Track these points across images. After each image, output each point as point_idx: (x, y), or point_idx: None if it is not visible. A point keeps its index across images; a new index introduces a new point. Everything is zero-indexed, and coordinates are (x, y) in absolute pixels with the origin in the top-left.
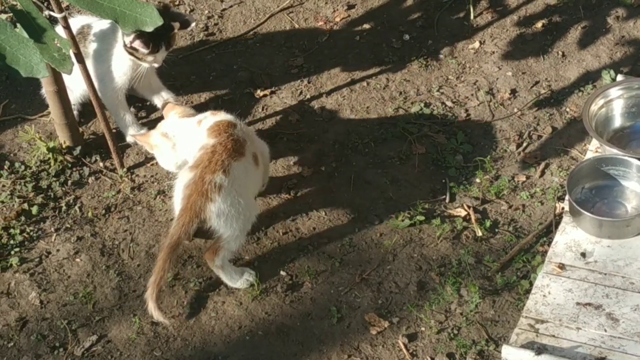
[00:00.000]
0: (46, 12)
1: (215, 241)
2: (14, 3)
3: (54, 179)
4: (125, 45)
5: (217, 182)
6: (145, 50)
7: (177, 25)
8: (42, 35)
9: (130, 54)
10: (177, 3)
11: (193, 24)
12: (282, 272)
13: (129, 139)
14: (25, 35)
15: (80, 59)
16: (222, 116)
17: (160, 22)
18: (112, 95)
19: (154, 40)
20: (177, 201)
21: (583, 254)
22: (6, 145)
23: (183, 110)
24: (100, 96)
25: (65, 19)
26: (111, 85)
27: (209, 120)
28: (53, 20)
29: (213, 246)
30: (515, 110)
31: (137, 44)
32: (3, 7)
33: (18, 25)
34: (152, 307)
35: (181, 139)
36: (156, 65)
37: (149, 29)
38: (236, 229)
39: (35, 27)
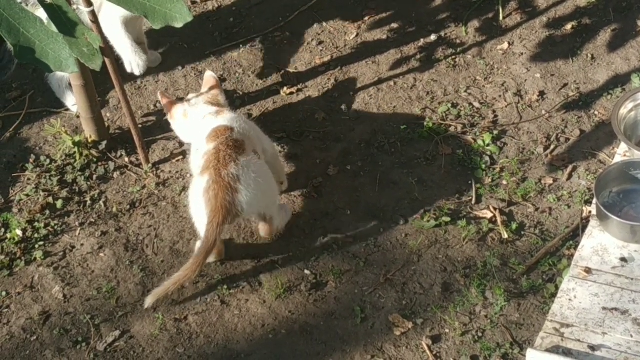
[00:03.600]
0: (74, 6)
1: (262, 221)
2: None
3: (79, 173)
4: None
5: (234, 172)
6: None
7: None
8: (72, 29)
9: None
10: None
11: None
12: (307, 271)
13: (137, 71)
14: (55, 29)
15: (108, 54)
16: (222, 119)
17: (190, 18)
18: (113, 23)
19: None
20: (199, 208)
21: (624, 259)
22: (32, 139)
23: (213, 96)
24: (103, 23)
25: (93, 13)
26: (111, 14)
27: (210, 124)
28: None
29: (262, 227)
30: (543, 112)
31: None
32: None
33: (48, 19)
34: (158, 293)
35: (191, 123)
36: None
37: (179, 25)
38: (272, 205)
39: (65, 21)
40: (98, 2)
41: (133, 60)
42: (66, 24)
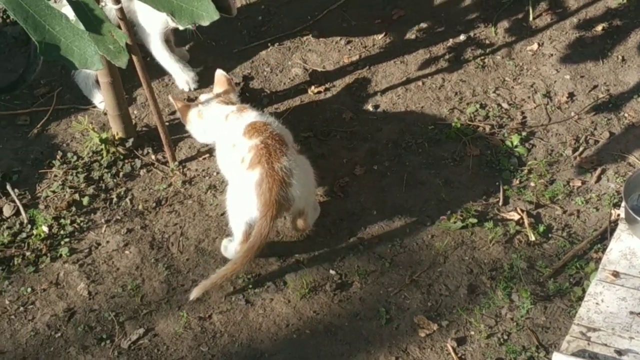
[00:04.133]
0: (102, 3)
1: (298, 217)
2: None
3: (106, 170)
4: None
5: (287, 165)
6: None
7: None
8: (99, 27)
9: None
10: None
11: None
12: (332, 271)
13: (190, 87)
14: (81, 26)
15: (135, 51)
16: (250, 114)
17: (216, 16)
18: (153, 38)
19: None
20: (243, 203)
21: None
22: (59, 135)
23: (225, 95)
24: (146, 43)
25: (121, 10)
26: (151, 30)
27: (240, 120)
28: None
29: (300, 221)
30: (573, 114)
31: None
32: None
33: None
34: (205, 286)
35: (209, 123)
36: (180, 27)
37: (205, 23)
38: (311, 199)
39: (92, 18)
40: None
41: (182, 77)
42: (92, 21)
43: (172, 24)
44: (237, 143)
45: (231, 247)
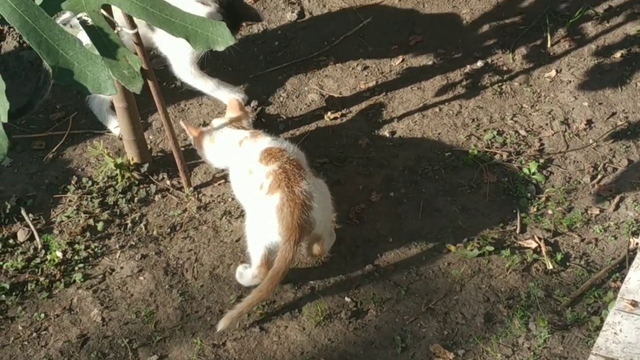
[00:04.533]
0: (118, 28)
1: (314, 242)
2: (86, 18)
3: (121, 195)
4: None
5: (306, 189)
6: None
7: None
8: (114, 51)
9: None
10: (250, 23)
11: (262, 19)
12: (347, 299)
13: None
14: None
15: (151, 76)
16: (265, 139)
17: (232, 41)
18: (186, 69)
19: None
20: (263, 229)
21: None
22: (74, 160)
23: (238, 119)
24: (179, 75)
25: (137, 35)
26: (182, 59)
27: (254, 146)
28: None
29: (316, 246)
30: (591, 141)
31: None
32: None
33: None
34: (232, 316)
35: (222, 148)
36: (219, 48)
37: (220, 48)
38: (328, 224)
39: (107, 43)
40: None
41: (232, 97)
42: (107, 46)
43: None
44: (254, 169)
45: (248, 273)
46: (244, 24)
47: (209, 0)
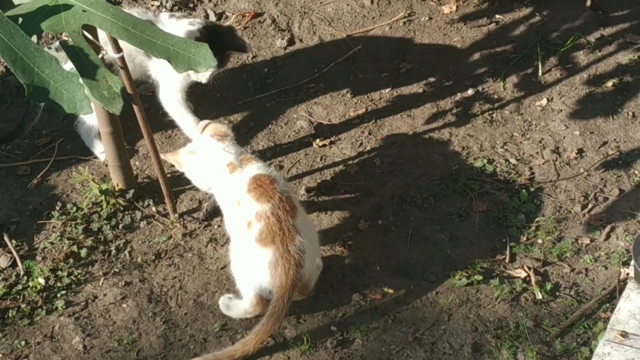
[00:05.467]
0: (103, 52)
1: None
2: (66, 39)
3: (105, 221)
4: None
5: (300, 246)
6: None
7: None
8: (93, 72)
9: None
10: (238, 53)
11: (249, 51)
12: (333, 327)
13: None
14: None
15: (137, 101)
16: (255, 166)
17: (214, 63)
18: (172, 98)
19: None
20: (262, 278)
21: None
22: (59, 186)
23: (216, 128)
24: (163, 102)
25: (122, 59)
26: (169, 89)
27: (244, 173)
28: None
29: (305, 285)
30: (582, 170)
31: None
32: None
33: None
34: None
35: (207, 161)
36: (203, 80)
37: (202, 70)
38: (316, 264)
39: (87, 63)
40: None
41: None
42: (87, 67)
43: (194, 77)
44: (242, 201)
45: (239, 308)
46: (233, 54)
47: (196, 21)
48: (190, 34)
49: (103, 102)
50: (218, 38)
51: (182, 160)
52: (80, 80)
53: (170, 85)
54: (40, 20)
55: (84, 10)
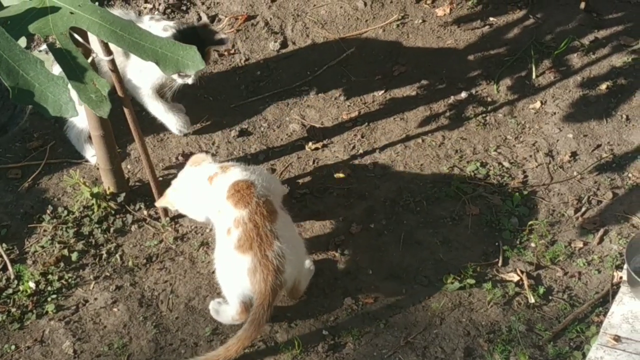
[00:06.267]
0: (94, 54)
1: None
2: (53, 41)
3: (96, 225)
4: None
5: (278, 251)
6: None
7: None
8: (81, 75)
9: None
10: (232, 52)
11: (227, 44)
12: (325, 332)
13: (182, 131)
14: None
15: (127, 104)
16: (235, 173)
17: (202, 66)
18: (146, 93)
19: None
20: (237, 284)
21: None
22: (50, 189)
23: (194, 158)
24: (139, 99)
25: (112, 61)
26: (143, 86)
27: (223, 181)
28: None
29: (295, 289)
30: (575, 173)
31: None
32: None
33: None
34: None
35: (193, 190)
36: (189, 82)
37: (191, 72)
38: (302, 269)
39: (74, 66)
40: (125, 75)
41: (174, 122)
42: (75, 69)
43: (180, 80)
44: (222, 209)
45: (226, 314)
46: (221, 51)
47: (169, 25)
48: None
49: (91, 105)
50: (193, 37)
51: (171, 199)
52: (66, 82)
53: (142, 82)
54: (27, 23)
55: (71, 13)
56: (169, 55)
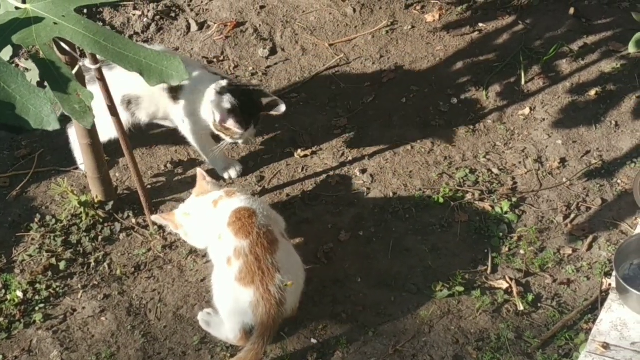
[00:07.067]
0: (81, 63)
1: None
2: (36, 51)
3: (85, 234)
4: (214, 122)
5: (280, 284)
6: (239, 131)
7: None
8: (65, 85)
9: (219, 130)
10: (221, 59)
11: (283, 108)
12: (313, 340)
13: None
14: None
15: (115, 112)
16: (239, 200)
17: (186, 76)
18: (197, 138)
19: (246, 119)
20: (245, 316)
21: None
22: (38, 198)
23: (200, 187)
24: (188, 138)
25: (100, 70)
26: (192, 130)
27: (226, 206)
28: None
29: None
30: (564, 180)
31: (231, 124)
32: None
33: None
34: None
35: (199, 219)
36: (242, 143)
37: (175, 83)
38: (299, 297)
39: (58, 77)
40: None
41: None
42: (58, 80)
43: (227, 140)
44: (223, 235)
45: (222, 333)
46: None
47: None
48: None
49: (74, 115)
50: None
51: (178, 221)
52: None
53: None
54: (11, 34)
55: (55, 23)
56: (153, 66)
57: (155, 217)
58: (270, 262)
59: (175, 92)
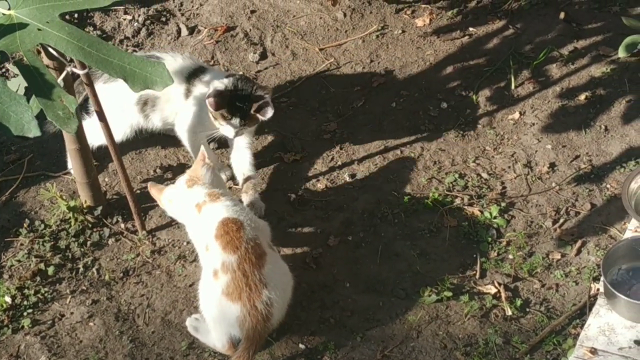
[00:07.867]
0: (68, 69)
1: None
2: (20, 57)
3: (73, 239)
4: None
5: (267, 300)
6: (212, 110)
7: (257, 105)
8: (49, 91)
9: (213, 116)
10: (212, 63)
11: (269, 114)
12: (301, 345)
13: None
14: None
15: (102, 117)
16: (224, 206)
17: (171, 82)
18: (191, 137)
19: (228, 106)
20: (232, 329)
21: (638, 342)
22: (27, 203)
23: (194, 171)
24: (181, 137)
25: (87, 76)
26: (189, 128)
27: (212, 214)
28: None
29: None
30: (554, 184)
31: (210, 101)
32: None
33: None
34: None
35: (182, 216)
36: (228, 135)
37: (159, 89)
38: (286, 308)
39: (41, 83)
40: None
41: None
42: (42, 86)
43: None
44: (210, 247)
45: (210, 341)
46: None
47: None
48: None
49: (58, 122)
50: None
51: (163, 201)
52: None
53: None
54: None
55: (39, 29)
56: (137, 72)
57: (151, 184)
58: (257, 278)
59: (189, 84)
